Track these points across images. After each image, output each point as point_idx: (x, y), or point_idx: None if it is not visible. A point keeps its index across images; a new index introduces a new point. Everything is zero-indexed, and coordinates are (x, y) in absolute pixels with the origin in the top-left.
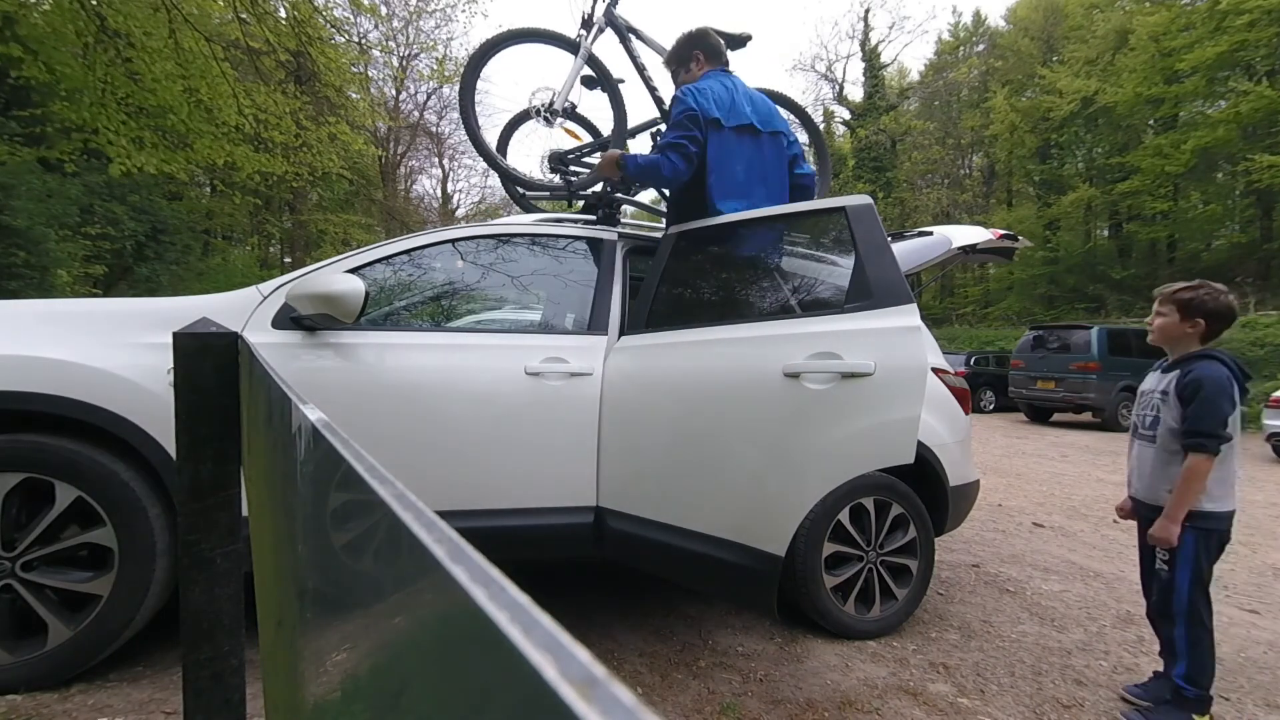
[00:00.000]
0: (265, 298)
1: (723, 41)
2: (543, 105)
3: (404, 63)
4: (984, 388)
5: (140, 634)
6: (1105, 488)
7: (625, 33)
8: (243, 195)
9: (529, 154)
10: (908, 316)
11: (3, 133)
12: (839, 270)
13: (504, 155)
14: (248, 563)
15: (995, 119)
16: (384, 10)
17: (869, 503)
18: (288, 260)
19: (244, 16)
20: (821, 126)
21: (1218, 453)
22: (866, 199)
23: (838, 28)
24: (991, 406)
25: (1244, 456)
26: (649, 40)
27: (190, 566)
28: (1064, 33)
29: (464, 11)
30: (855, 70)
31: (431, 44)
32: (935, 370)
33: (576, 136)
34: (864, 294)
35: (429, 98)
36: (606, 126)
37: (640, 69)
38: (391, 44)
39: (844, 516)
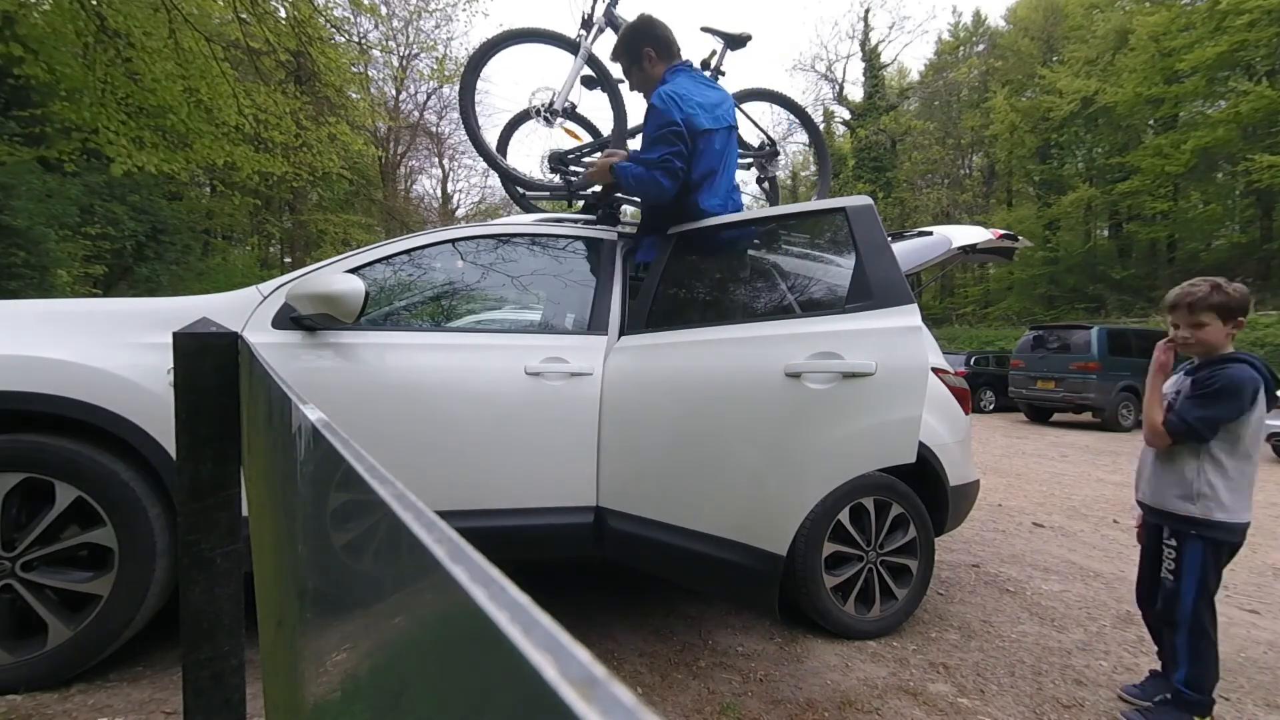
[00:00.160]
0: (265, 298)
1: (671, 31)
2: (543, 105)
3: (404, 63)
4: (984, 388)
5: (140, 634)
6: (1105, 488)
7: None
8: (243, 195)
9: (529, 154)
10: (908, 316)
11: (3, 133)
12: (839, 270)
13: (504, 155)
14: (248, 563)
15: (995, 119)
16: (384, 10)
17: (869, 503)
18: (288, 260)
19: (244, 16)
20: (821, 126)
21: (1180, 442)
22: (866, 199)
23: (838, 28)
24: (991, 406)
25: None
26: None
27: (190, 566)
28: (1064, 33)
29: (464, 11)
30: (855, 70)
31: (431, 44)
32: (935, 370)
33: (576, 136)
34: (865, 294)
35: (429, 98)
36: (606, 126)
37: None
38: (391, 44)
39: (844, 516)
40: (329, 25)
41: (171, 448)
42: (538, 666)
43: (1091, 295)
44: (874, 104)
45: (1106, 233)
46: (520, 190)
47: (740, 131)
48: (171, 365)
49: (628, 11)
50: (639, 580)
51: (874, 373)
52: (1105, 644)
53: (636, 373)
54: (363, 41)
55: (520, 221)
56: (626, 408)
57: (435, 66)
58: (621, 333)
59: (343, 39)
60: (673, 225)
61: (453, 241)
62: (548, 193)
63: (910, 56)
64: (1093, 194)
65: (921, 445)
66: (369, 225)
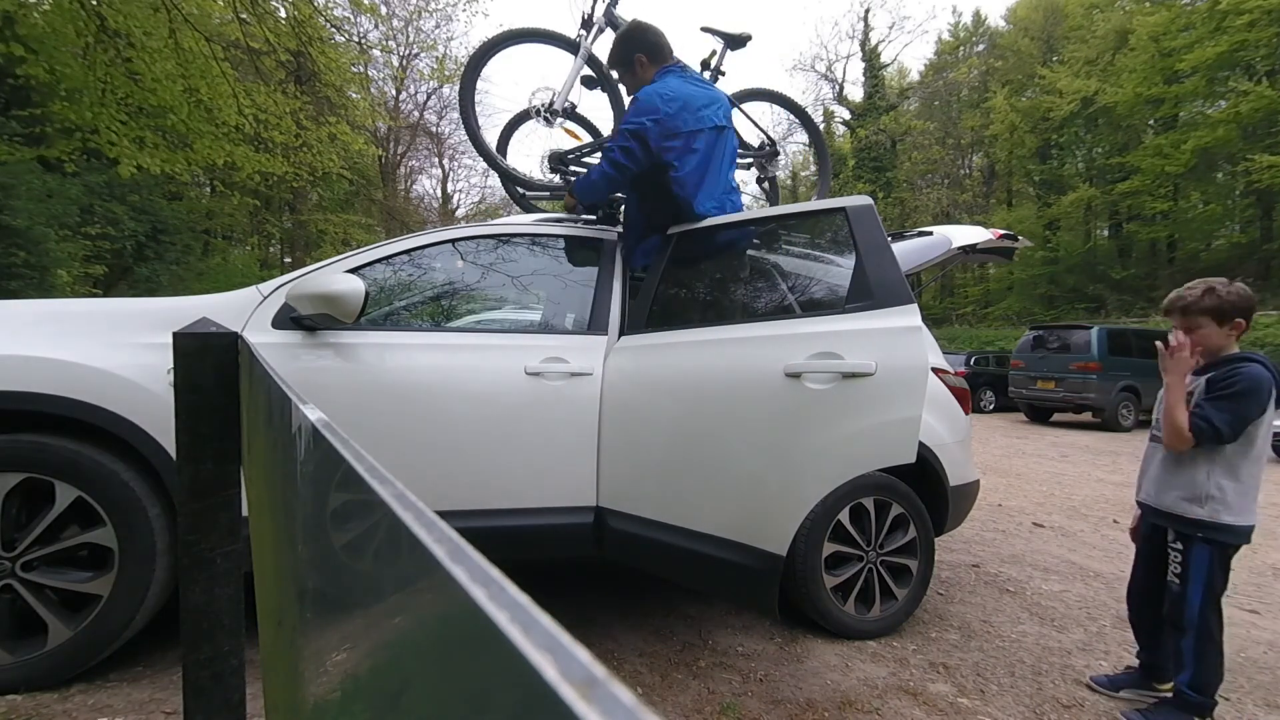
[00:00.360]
0: (265, 298)
1: (662, 34)
2: (543, 105)
3: (404, 62)
4: (984, 388)
5: (140, 634)
6: (1105, 488)
7: None
8: (242, 195)
9: (529, 154)
10: (909, 316)
11: (3, 133)
12: (839, 270)
13: (504, 155)
14: (248, 563)
15: (995, 119)
16: (384, 10)
17: (869, 502)
18: (288, 260)
19: (244, 16)
20: (821, 126)
21: (1203, 445)
22: (867, 199)
23: (838, 28)
24: (991, 406)
25: None
26: None
27: (190, 566)
28: (1064, 33)
29: (464, 11)
30: (855, 70)
31: (431, 44)
32: (935, 370)
33: (576, 136)
34: (865, 294)
35: (429, 98)
36: (606, 126)
37: None
38: (391, 44)
39: (844, 516)
40: (329, 25)
41: (171, 447)
42: (538, 666)
43: (1091, 295)
44: (874, 104)
45: (1106, 233)
46: (520, 190)
47: (740, 131)
48: (171, 365)
49: (628, 11)
50: (639, 580)
51: (874, 373)
52: (1105, 644)
53: (636, 373)
54: (363, 41)
55: (520, 221)
56: (626, 408)
57: (435, 66)
58: (621, 333)
59: (343, 39)
60: (670, 227)
61: (453, 241)
62: (548, 193)
63: (910, 56)
64: (1093, 194)
65: (921, 445)
66: (369, 225)
